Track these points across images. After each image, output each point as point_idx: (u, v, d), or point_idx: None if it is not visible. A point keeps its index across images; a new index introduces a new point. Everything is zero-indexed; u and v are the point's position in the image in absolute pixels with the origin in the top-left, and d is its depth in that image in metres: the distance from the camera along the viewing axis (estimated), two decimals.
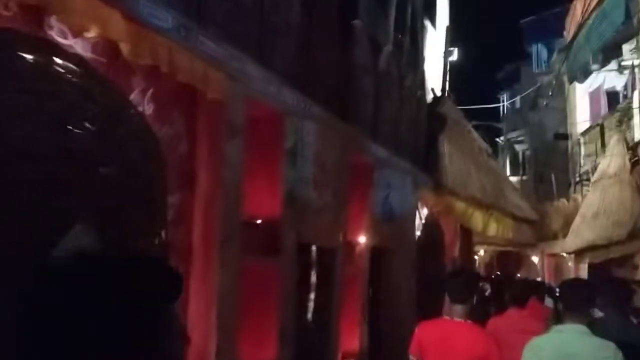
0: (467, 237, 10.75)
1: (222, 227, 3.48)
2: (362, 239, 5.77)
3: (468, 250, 11.12)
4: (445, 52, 10.50)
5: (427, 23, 10.93)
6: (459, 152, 8.48)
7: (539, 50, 29.23)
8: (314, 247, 5.09)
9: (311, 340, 4.92)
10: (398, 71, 7.12)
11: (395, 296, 6.62)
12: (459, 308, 3.39)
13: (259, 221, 4.01)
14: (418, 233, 7.63)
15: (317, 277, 5.13)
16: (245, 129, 3.74)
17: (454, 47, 11.06)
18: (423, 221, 7.79)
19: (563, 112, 22.53)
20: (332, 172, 5.06)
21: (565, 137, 19.22)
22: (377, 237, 6.18)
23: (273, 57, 4.30)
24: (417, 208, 7.43)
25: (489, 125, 26.37)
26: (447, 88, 10.50)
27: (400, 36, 7.70)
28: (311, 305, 5.13)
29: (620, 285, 4.55)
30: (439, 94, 9.80)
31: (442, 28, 11.34)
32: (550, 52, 27.36)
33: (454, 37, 11.61)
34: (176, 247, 3.36)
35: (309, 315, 5.07)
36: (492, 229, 9.00)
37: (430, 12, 11.25)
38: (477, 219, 8.54)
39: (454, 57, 11.10)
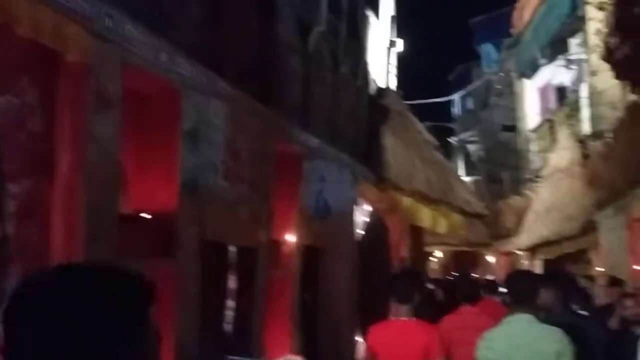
0: (418, 236, 10.27)
1: (90, 222, 2.80)
2: (291, 238, 5.15)
3: (418, 250, 10.64)
4: (389, 43, 10.02)
5: (370, 14, 10.46)
6: (403, 145, 7.97)
7: (488, 50, 29.31)
8: (232, 248, 4.44)
9: (230, 352, 4.26)
10: (332, 56, 6.55)
11: (334, 300, 6.02)
12: (404, 308, 3.48)
13: (147, 215, 3.33)
14: (360, 232, 7.06)
15: (237, 281, 4.48)
16: (124, 102, 3.07)
17: (401, 39, 10.61)
18: (366, 219, 7.22)
19: (514, 110, 22.53)
20: (250, 160, 4.43)
21: (512, 129, 19.08)
22: (310, 235, 5.57)
23: (167, 22, 3.65)
24: (357, 204, 6.86)
25: (441, 125, 26.26)
26: (391, 80, 10.04)
27: (335, 20, 7.14)
28: (229, 313, 4.48)
29: (566, 279, 4.81)
30: (383, 86, 9.31)
31: (387, 20, 10.87)
32: (499, 51, 27.48)
33: (402, 32, 11.21)
34: (26, 246, 2.66)
35: (227, 325, 4.41)
36: (442, 226, 8.51)
37: (373, 3, 10.80)
38: (425, 215, 8.03)
39: (400, 48, 10.66)
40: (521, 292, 3.15)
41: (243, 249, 4.37)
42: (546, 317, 3.19)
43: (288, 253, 5.17)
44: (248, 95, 4.48)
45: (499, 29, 25.11)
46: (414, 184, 7.70)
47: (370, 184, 7.22)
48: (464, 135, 29.60)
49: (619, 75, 3.42)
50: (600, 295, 9.33)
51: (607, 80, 13.08)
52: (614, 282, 5.66)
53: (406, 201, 7.78)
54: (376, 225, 7.52)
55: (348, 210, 6.56)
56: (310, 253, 5.76)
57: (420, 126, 8.91)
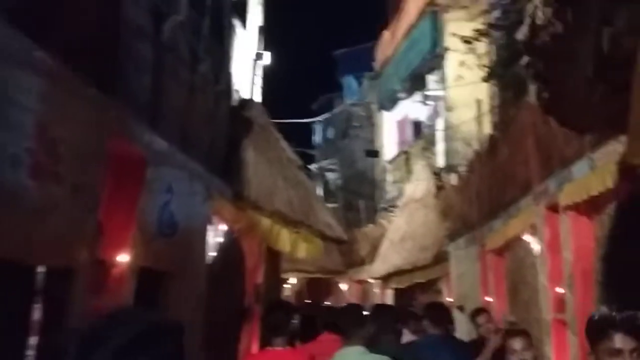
0: (275, 261, 9.64)
1: None
2: (123, 258, 4.21)
3: (275, 276, 10.01)
4: (255, 55, 9.43)
5: (238, 23, 9.84)
6: (265, 161, 7.32)
7: (350, 82, 30.11)
8: (40, 268, 3.43)
9: None
10: (191, 52, 5.76)
11: None
12: (278, 340, 3.63)
13: None
14: (212, 254, 6.23)
15: (43, 312, 3.47)
16: None
17: (268, 52, 10.08)
18: (219, 240, 6.41)
19: (373, 141, 23.10)
20: (73, 157, 3.48)
21: (376, 154, 19.38)
22: (150, 255, 4.66)
23: None
24: (210, 222, 6.05)
25: (302, 151, 26.24)
26: (256, 93, 9.43)
27: (197, 16, 6.39)
28: (31, 354, 3.44)
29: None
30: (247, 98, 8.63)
31: (254, 31, 10.30)
32: (361, 84, 28.33)
33: (269, 56, 10.71)
34: None
35: None
36: (302, 250, 7.93)
37: (241, 13, 10.21)
38: (284, 238, 7.41)
39: (267, 61, 10.12)
40: (352, 325, 3.54)
41: (55, 271, 3.38)
42: (375, 347, 3.52)
43: (119, 276, 4.21)
44: (77, 75, 3.55)
45: (362, 62, 25.84)
46: (275, 204, 7.07)
47: (227, 201, 6.46)
48: (324, 163, 29.89)
49: (535, 67, 3.03)
50: (460, 326, 9.26)
51: (461, 116, 13.67)
52: (479, 311, 5.34)
53: (265, 222, 7.11)
54: (231, 248, 6.74)
55: (199, 228, 5.72)
56: (149, 277, 4.84)
57: (284, 144, 8.35)
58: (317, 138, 34.17)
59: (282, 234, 7.33)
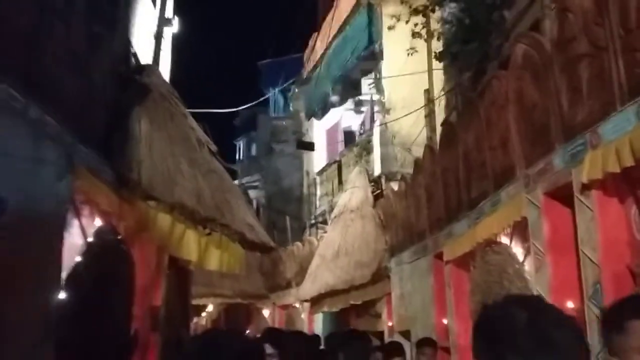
0: (183, 277, 7.64)
1: None
2: None
3: (182, 298, 7.98)
4: (159, 19, 7.58)
5: None
6: (164, 138, 5.44)
7: (276, 95, 28.56)
8: None
9: None
10: None
11: None
12: None
13: None
14: (77, 259, 4.24)
15: None
16: None
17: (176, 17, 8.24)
18: (90, 239, 4.44)
19: (299, 158, 21.55)
20: None
21: (310, 146, 17.56)
22: None
23: None
24: (72, 210, 4.08)
25: (225, 167, 24.28)
26: (163, 68, 7.54)
27: None
28: None
29: None
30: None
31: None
32: (286, 98, 26.89)
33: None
34: None
35: None
36: (215, 260, 5.96)
37: None
38: (190, 241, 5.46)
39: (175, 28, 8.30)
40: None
41: None
42: None
43: None
44: None
45: (289, 74, 24.31)
46: (177, 194, 5.17)
47: (104, 185, 4.51)
48: (246, 179, 27.96)
49: None
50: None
51: (399, 120, 12.31)
52: None
53: (163, 219, 5.19)
54: (110, 252, 4.75)
55: (49, 216, 3.74)
56: None
57: (194, 123, 6.48)
58: (240, 155, 32.36)
59: (188, 237, 5.40)
